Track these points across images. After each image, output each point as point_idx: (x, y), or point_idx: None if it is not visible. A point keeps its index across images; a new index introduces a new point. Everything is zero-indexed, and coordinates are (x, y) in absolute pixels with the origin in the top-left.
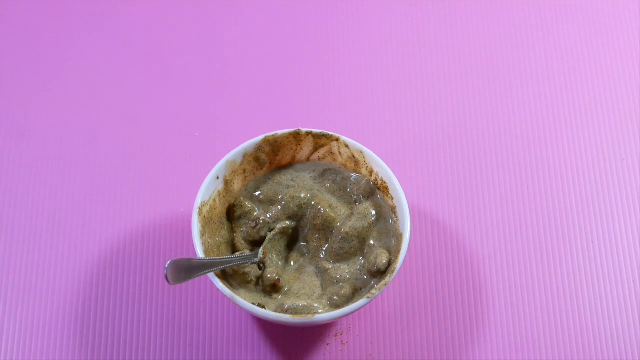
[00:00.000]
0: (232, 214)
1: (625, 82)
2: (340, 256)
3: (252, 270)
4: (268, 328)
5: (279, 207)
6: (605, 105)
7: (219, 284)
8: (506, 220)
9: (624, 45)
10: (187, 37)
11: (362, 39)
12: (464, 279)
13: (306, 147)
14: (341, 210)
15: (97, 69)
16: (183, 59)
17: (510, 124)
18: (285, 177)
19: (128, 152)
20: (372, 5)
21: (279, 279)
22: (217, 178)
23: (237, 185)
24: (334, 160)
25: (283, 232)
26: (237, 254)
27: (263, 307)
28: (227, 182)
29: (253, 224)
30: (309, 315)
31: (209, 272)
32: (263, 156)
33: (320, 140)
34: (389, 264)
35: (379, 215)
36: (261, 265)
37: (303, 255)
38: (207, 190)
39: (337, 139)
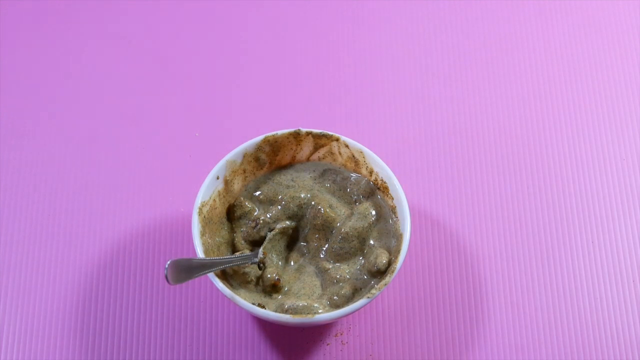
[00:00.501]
0: (232, 214)
1: (626, 82)
2: (340, 256)
3: (252, 270)
4: (268, 328)
5: (279, 207)
6: (605, 105)
7: (219, 284)
8: (506, 220)
9: (624, 45)
10: (188, 37)
11: (362, 39)
12: (464, 279)
13: (306, 147)
14: (341, 210)
15: (97, 68)
16: (183, 59)
17: (510, 124)
18: (285, 177)
19: (128, 152)
20: (372, 6)
21: (279, 279)
22: (217, 178)
23: (237, 185)
24: (334, 160)
25: (283, 232)
26: (237, 254)
27: (263, 307)
28: (227, 182)
29: (253, 224)
30: (309, 315)
31: (209, 272)
32: (263, 156)
33: (320, 140)
34: (389, 264)
35: (379, 215)
36: (261, 265)
37: (303, 255)
38: (207, 190)
39: (337, 139)
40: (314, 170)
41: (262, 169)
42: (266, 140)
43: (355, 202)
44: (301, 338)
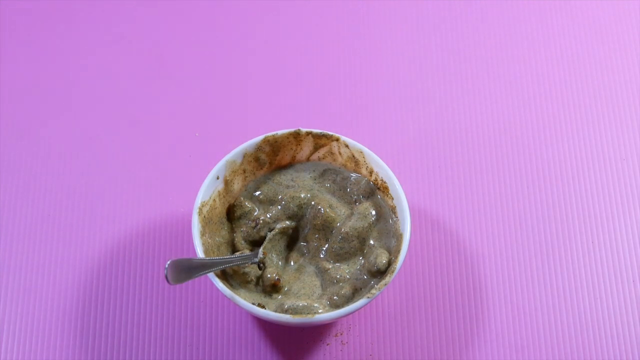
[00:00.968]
0: (232, 214)
1: (626, 82)
2: (340, 256)
3: (252, 270)
4: (268, 328)
5: (279, 207)
6: (605, 105)
7: (219, 284)
8: (506, 220)
9: (624, 45)
10: (188, 38)
11: (363, 39)
12: (464, 279)
13: (306, 147)
14: (341, 210)
15: (97, 68)
16: (183, 59)
17: (510, 124)
18: (285, 177)
19: (128, 152)
20: (372, 6)
21: (279, 279)
22: (217, 178)
23: (237, 185)
24: (334, 160)
25: (283, 232)
26: (237, 254)
27: (263, 307)
28: (227, 182)
29: (253, 224)
30: (309, 315)
31: (209, 272)
32: (263, 156)
33: (320, 140)
34: (389, 264)
35: (379, 215)
36: (261, 265)
37: (303, 255)
38: (207, 190)
39: (337, 139)
40: (314, 170)
41: (262, 169)
42: (266, 140)
43: (355, 202)
44: (301, 338)
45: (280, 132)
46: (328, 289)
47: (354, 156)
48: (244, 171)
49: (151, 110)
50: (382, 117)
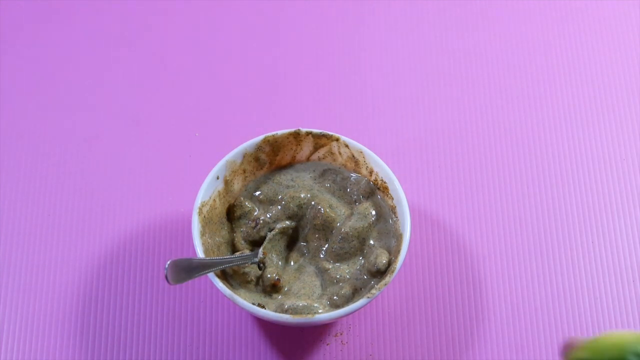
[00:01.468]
0: (232, 214)
1: (626, 82)
2: (340, 256)
3: (252, 270)
4: (268, 328)
5: (279, 207)
6: (606, 105)
7: (219, 284)
8: (506, 220)
9: (624, 45)
10: (188, 37)
11: (363, 40)
12: (464, 279)
13: (306, 147)
14: (341, 210)
15: (97, 68)
16: (183, 59)
17: (510, 124)
18: (285, 177)
19: (128, 152)
20: (372, 6)
21: (279, 279)
22: (217, 178)
23: (237, 185)
24: (334, 160)
25: (283, 232)
26: (237, 254)
27: (263, 307)
28: (227, 182)
29: (253, 224)
30: (309, 315)
31: (209, 272)
32: (263, 156)
33: (320, 140)
34: (389, 264)
35: (379, 215)
36: (261, 265)
37: (303, 255)
38: (207, 190)
39: (337, 139)
40: (314, 170)
41: (262, 169)
42: (266, 140)
43: (355, 202)
44: (301, 338)
45: (280, 132)
46: (328, 289)
47: (354, 156)
48: (244, 171)
49: (151, 110)
50: (382, 117)
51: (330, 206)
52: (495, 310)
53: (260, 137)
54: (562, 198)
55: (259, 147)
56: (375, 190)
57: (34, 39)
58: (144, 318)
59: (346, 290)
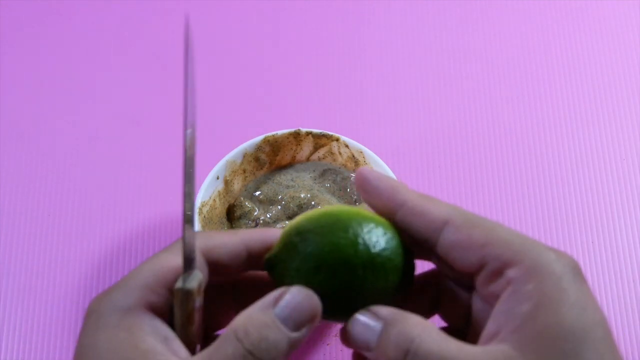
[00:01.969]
0: (232, 214)
1: (626, 82)
2: None
3: None
4: None
5: (279, 207)
6: (605, 105)
7: None
8: (506, 220)
9: (624, 45)
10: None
11: (363, 40)
12: None
13: (306, 147)
14: None
15: (97, 68)
16: (183, 59)
17: (510, 124)
18: (285, 177)
19: (128, 152)
20: (372, 6)
21: None
22: (217, 178)
23: (237, 185)
24: (334, 160)
25: None
26: None
27: None
28: (227, 182)
29: (253, 224)
30: None
31: None
32: (263, 156)
33: (320, 140)
34: None
35: None
36: None
37: None
38: (207, 190)
39: (337, 139)
40: (314, 170)
41: (262, 169)
42: (266, 140)
43: (355, 202)
44: None
45: (280, 132)
46: None
47: (354, 156)
48: (244, 171)
49: (151, 110)
50: (382, 117)
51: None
52: None
53: (260, 137)
54: (562, 198)
55: (259, 147)
56: None
57: (34, 39)
58: None
59: None
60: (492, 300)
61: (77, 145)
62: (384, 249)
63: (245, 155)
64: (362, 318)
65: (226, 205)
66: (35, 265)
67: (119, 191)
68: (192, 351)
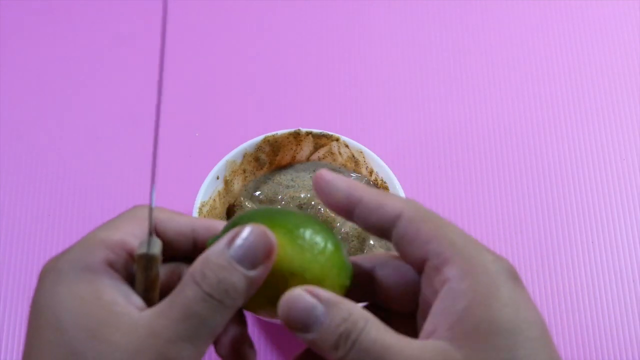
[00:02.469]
0: (232, 214)
1: (626, 82)
2: None
3: None
4: (268, 327)
5: (279, 207)
6: (605, 105)
7: None
8: (506, 220)
9: (624, 45)
10: (187, 37)
11: (363, 40)
12: None
13: (306, 147)
14: None
15: (96, 68)
16: (183, 59)
17: (510, 124)
18: (285, 177)
19: (128, 152)
20: (372, 6)
21: None
22: (217, 178)
23: (237, 185)
24: (334, 160)
25: None
26: None
27: None
28: (227, 182)
29: None
30: None
31: None
32: (263, 156)
33: (320, 140)
34: None
35: None
36: None
37: None
38: (207, 190)
39: (337, 139)
40: (314, 170)
41: (262, 169)
42: (266, 140)
43: None
44: None
45: (280, 132)
46: None
47: (354, 156)
48: (244, 171)
49: (151, 110)
50: (382, 117)
51: None
52: None
53: (260, 137)
54: (562, 198)
55: (259, 147)
56: None
57: (34, 39)
58: None
59: None
60: (433, 295)
61: (77, 145)
62: (328, 245)
63: (245, 155)
64: (307, 296)
65: (226, 205)
66: (35, 265)
67: (118, 191)
68: None
